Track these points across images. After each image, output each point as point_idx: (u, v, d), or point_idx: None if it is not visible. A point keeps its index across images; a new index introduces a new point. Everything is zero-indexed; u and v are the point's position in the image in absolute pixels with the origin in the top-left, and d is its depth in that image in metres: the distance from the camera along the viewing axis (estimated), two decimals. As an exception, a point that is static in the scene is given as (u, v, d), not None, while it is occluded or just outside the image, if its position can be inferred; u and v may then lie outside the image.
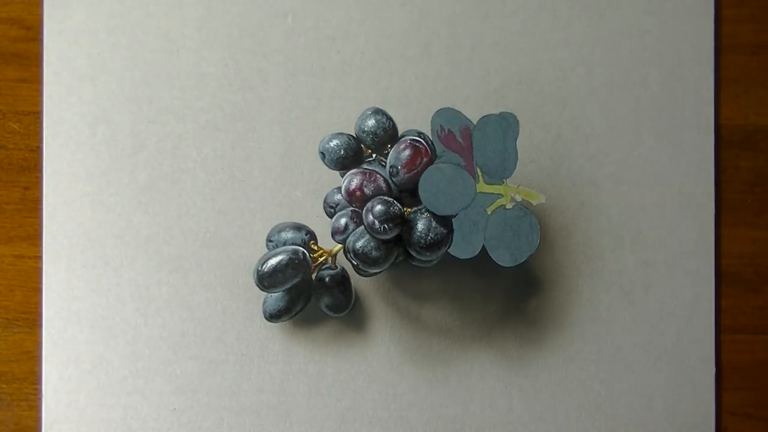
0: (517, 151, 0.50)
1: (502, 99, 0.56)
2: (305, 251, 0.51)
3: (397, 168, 0.49)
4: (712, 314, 0.56)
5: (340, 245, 0.51)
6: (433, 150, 0.50)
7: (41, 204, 0.56)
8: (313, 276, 0.53)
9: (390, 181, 0.50)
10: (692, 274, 0.56)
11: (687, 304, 0.56)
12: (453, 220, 0.50)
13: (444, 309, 0.56)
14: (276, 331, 0.55)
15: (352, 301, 0.54)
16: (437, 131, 0.51)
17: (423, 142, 0.50)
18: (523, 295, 0.56)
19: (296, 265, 0.51)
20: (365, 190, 0.49)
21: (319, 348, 0.56)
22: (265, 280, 0.50)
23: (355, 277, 0.54)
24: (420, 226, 0.49)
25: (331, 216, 0.52)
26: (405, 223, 0.49)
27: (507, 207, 0.51)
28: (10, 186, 0.56)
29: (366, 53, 0.57)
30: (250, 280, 0.53)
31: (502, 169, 0.50)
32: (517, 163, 0.50)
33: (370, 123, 0.51)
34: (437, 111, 0.51)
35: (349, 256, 0.50)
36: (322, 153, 0.52)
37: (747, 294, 0.57)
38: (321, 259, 0.52)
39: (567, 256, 0.56)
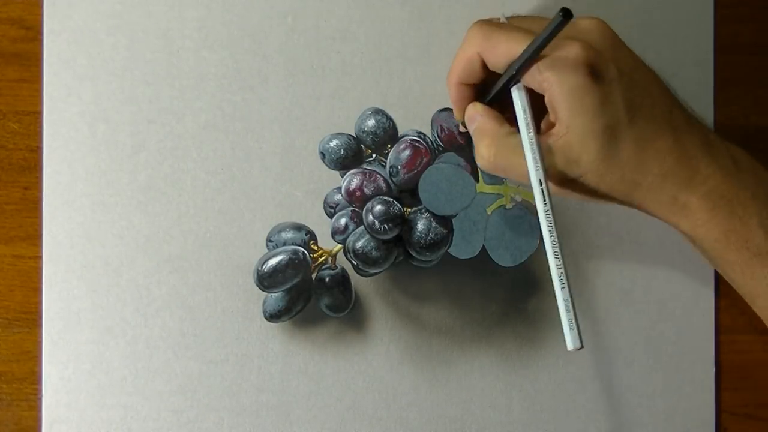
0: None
1: (502, 99, 0.56)
2: (305, 251, 0.51)
3: (397, 168, 0.49)
4: (711, 314, 0.56)
5: (340, 245, 0.51)
6: (433, 150, 0.50)
7: (41, 204, 0.56)
8: (313, 276, 0.53)
9: (390, 181, 0.50)
10: (692, 274, 0.56)
11: (687, 304, 0.56)
12: (453, 220, 0.50)
13: (444, 309, 0.56)
14: (276, 331, 0.55)
15: (352, 301, 0.54)
16: (437, 131, 0.51)
17: (423, 142, 0.50)
18: (523, 295, 0.56)
19: (296, 265, 0.51)
20: (365, 190, 0.49)
21: (319, 348, 0.56)
22: (265, 280, 0.50)
23: (355, 277, 0.54)
24: (420, 226, 0.49)
25: (331, 216, 0.52)
26: (405, 223, 0.49)
27: (507, 207, 0.51)
28: (10, 186, 0.56)
29: (366, 53, 0.57)
30: (250, 280, 0.53)
31: (502, 169, 0.50)
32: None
33: (370, 123, 0.51)
34: (437, 111, 0.51)
35: (349, 256, 0.50)
36: (322, 153, 0.52)
37: (747, 294, 0.56)
38: (321, 259, 0.52)
39: (567, 256, 0.56)
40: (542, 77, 0.42)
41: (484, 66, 0.45)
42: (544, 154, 0.43)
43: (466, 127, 0.48)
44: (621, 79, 0.43)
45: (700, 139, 0.44)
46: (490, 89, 0.46)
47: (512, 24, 0.45)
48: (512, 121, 0.45)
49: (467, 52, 0.45)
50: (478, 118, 0.45)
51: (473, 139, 0.46)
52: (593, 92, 0.42)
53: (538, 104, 0.45)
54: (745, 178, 0.44)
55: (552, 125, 0.43)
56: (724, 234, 0.44)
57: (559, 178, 0.44)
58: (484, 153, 0.45)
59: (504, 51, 0.43)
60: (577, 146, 0.42)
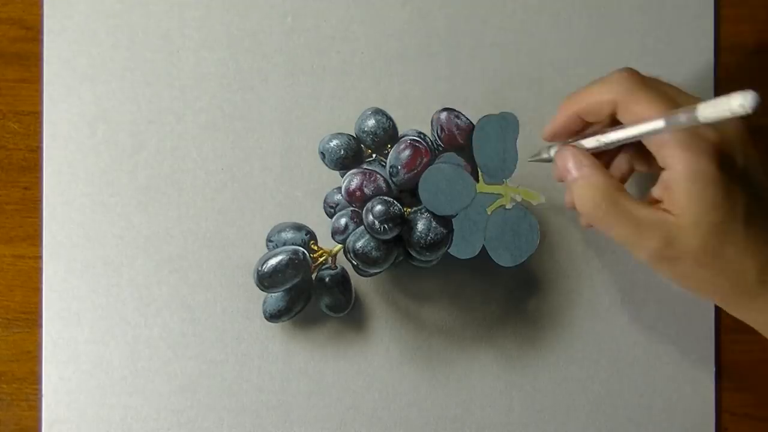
0: (517, 151, 0.50)
1: (502, 99, 0.56)
2: (305, 251, 0.51)
3: (397, 168, 0.49)
4: (712, 314, 0.56)
5: (340, 245, 0.51)
6: (433, 150, 0.50)
7: (41, 204, 0.56)
8: (313, 276, 0.53)
9: (390, 181, 0.50)
10: (692, 274, 0.56)
11: (687, 305, 0.56)
12: (453, 220, 0.50)
13: (444, 309, 0.56)
14: (276, 331, 0.56)
15: (352, 301, 0.54)
16: (437, 131, 0.51)
17: (423, 142, 0.50)
18: (523, 295, 0.56)
19: (296, 265, 0.51)
20: (365, 190, 0.49)
21: (319, 348, 0.56)
22: (265, 280, 0.50)
23: (355, 277, 0.54)
24: (420, 226, 0.49)
25: (331, 216, 0.52)
26: (405, 223, 0.49)
27: (507, 207, 0.51)
28: (10, 186, 0.56)
29: (366, 53, 0.57)
30: (250, 280, 0.53)
31: (502, 169, 0.50)
32: (517, 163, 0.50)
33: (370, 123, 0.51)
34: (437, 111, 0.51)
35: (349, 256, 0.50)
36: (322, 153, 0.52)
37: (747, 294, 0.56)
38: (321, 259, 0.52)
39: (567, 256, 0.56)
40: (670, 152, 0.41)
41: (611, 114, 0.44)
42: (648, 227, 0.42)
43: (546, 155, 0.48)
44: (746, 178, 0.42)
45: None
46: (588, 133, 0.45)
47: (657, 86, 0.44)
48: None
49: (604, 94, 0.44)
50: (584, 169, 0.44)
51: (573, 186, 0.44)
52: (718, 184, 0.41)
53: (645, 159, 0.44)
54: None
55: (658, 200, 0.42)
56: None
57: (655, 254, 0.42)
58: (589, 206, 0.43)
59: (640, 111, 0.42)
60: (684, 231, 0.41)
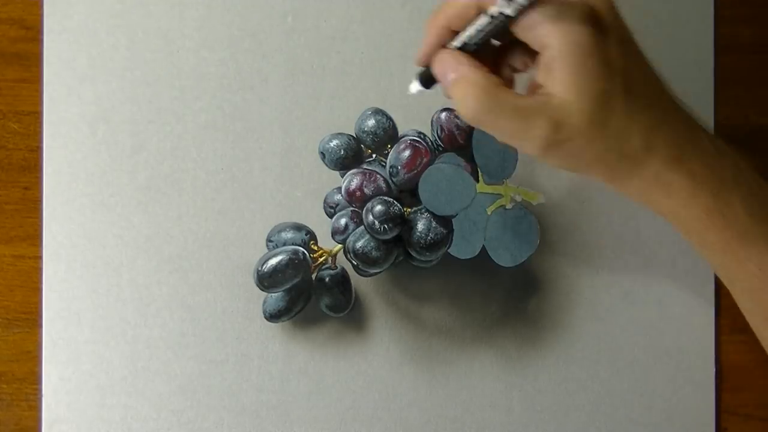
0: (517, 151, 0.50)
1: (502, 99, 0.56)
2: (305, 251, 0.51)
3: (397, 168, 0.49)
4: (712, 314, 0.56)
5: (340, 245, 0.51)
6: (433, 150, 0.50)
7: (41, 204, 0.56)
8: (313, 276, 0.53)
9: (390, 181, 0.50)
10: (692, 274, 0.56)
11: (687, 304, 0.56)
12: (453, 220, 0.50)
13: (444, 309, 0.56)
14: (276, 331, 0.55)
15: (352, 301, 0.54)
16: (437, 131, 0.51)
17: (423, 142, 0.50)
18: (523, 295, 0.56)
19: (296, 265, 0.51)
20: (365, 190, 0.49)
21: (319, 348, 0.56)
22: (265, 280, 0.50)
23: (355, 277, 0.54)
24: (420, 226, 0.49)
25: (331, 216, 0.52)
26: (405, 223, 0.49)
27: (507, 207, 0.51)
28: (10, 186, 0.56)
29: (366, 53, 0.57)
30: (250, 280, 0.53)
31: (502, 169, 0.50)
32: (517, 163, 0.50)
33: (370, 123, 0.51)
34: (437, 111, 0.51)
35: (349, 256, 0.50)
36: (322, 153, 0.52)
37: (747, 294, 0.56)
38: (321, 259, 0.52)
39: (567, 256, 0.56)
40: (546, 31, 0.40)
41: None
42: (533, 114, 0.40)
43: (422, 79, 0.46)
44: (621, 47, 0.41)
45: (684, 122, 0.44)
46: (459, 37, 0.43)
47: None
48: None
49: None
50: (461, 68, 0.42)
51: (452, 90, 0.43)
52: (597, 54, 0.40)
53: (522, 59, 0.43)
54: (727, 162, 0.44)
55: (539, 86, 0.42)
56: (706, 213, 0.44)
57: (545, 141, 0.41)
58: (471, 104, 0.41)
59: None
60: (570, 108, 0.40)
